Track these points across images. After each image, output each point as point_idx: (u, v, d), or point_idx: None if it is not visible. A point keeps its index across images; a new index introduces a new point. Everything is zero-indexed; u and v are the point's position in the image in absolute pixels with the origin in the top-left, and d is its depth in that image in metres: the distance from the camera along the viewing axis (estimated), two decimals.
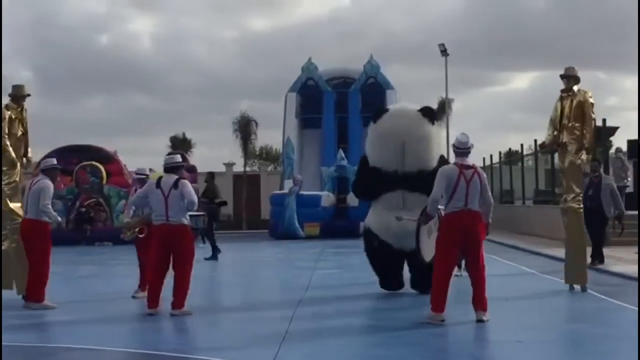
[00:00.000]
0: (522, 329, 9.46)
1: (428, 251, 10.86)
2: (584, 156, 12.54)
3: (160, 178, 11.08)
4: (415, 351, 8.27)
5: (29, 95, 12.82)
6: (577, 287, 12.67)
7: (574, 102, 12.47)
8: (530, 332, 9.24)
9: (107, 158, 28.83)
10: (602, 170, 17.92)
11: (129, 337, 9.56)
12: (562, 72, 12.72)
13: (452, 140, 11.84)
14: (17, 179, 12.56)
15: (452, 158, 10.31)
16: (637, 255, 16.40)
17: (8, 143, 12.41)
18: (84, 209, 27.35)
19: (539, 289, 13.40)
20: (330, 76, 36.01)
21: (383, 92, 34.20)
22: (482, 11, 79.14)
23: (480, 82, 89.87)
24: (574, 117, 12.44)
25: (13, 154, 12.45)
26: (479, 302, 9.79)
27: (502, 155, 37.28)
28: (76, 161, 27.74)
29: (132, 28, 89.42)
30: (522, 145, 32.80)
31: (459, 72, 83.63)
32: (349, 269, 17.03)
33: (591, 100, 12.50)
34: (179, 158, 11.39)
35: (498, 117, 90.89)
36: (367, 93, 34.37)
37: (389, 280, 12.87)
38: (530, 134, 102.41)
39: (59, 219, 12.02)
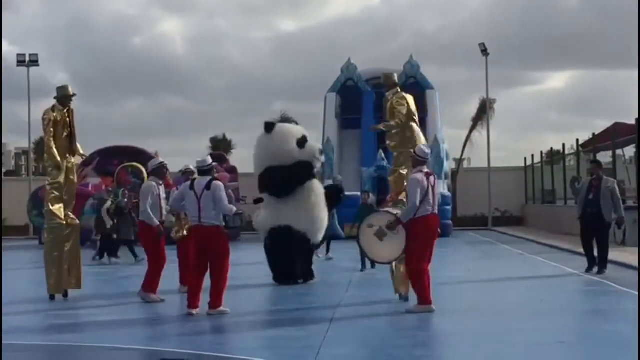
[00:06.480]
0: (566, 330, 9.34)
1: (381, 253, 10.90)
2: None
3: (194, 180, 11.13)
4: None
5: (74, 95, 12.88)
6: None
7: (388, 107, 12.46)
8: (573, 333, 9.12)
9: (148, 159, 28.93)
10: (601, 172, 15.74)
11: (169, 337, 9.55)
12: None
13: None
14: (62, 180, 12.65)
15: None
16: None
17: (53, 146, 12.47)
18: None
19: (582, 290, 13.22)
20: (370, 76, 35.83)
21: (423, 92, 34.02)
22: (514, 10, 78.26)
23: (514, 81, 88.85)
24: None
25: (58, 158, 12.49)
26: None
27: (543, 155, 36.88)
28: (117, 162, 27.90)
29: (164, 30, 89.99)
30: (563, 145, 32.52)
31: (492, 72, 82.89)
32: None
33: (397, 99, 12.30)
34: (209, 160, 11.34)
35: (534, 117, 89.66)
36: (408, 93, 34.17)
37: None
38: (568, 133, 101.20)
39: (156, 221, 12.21)
